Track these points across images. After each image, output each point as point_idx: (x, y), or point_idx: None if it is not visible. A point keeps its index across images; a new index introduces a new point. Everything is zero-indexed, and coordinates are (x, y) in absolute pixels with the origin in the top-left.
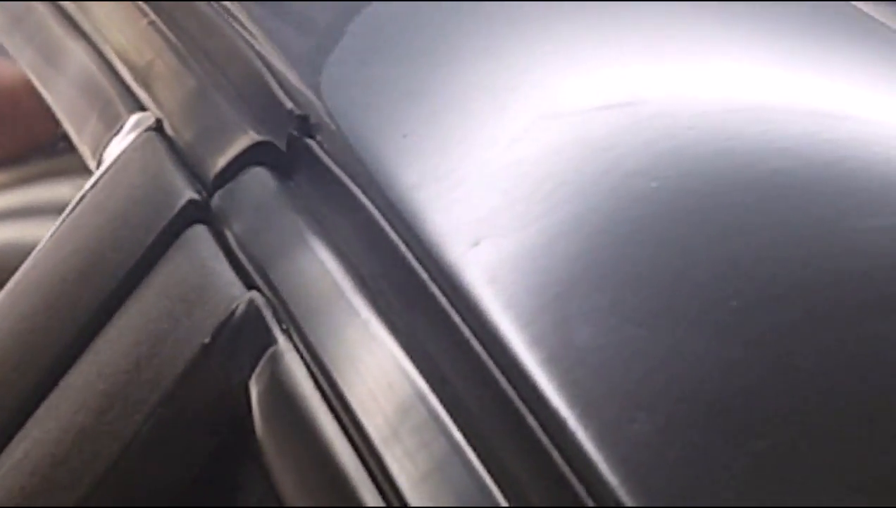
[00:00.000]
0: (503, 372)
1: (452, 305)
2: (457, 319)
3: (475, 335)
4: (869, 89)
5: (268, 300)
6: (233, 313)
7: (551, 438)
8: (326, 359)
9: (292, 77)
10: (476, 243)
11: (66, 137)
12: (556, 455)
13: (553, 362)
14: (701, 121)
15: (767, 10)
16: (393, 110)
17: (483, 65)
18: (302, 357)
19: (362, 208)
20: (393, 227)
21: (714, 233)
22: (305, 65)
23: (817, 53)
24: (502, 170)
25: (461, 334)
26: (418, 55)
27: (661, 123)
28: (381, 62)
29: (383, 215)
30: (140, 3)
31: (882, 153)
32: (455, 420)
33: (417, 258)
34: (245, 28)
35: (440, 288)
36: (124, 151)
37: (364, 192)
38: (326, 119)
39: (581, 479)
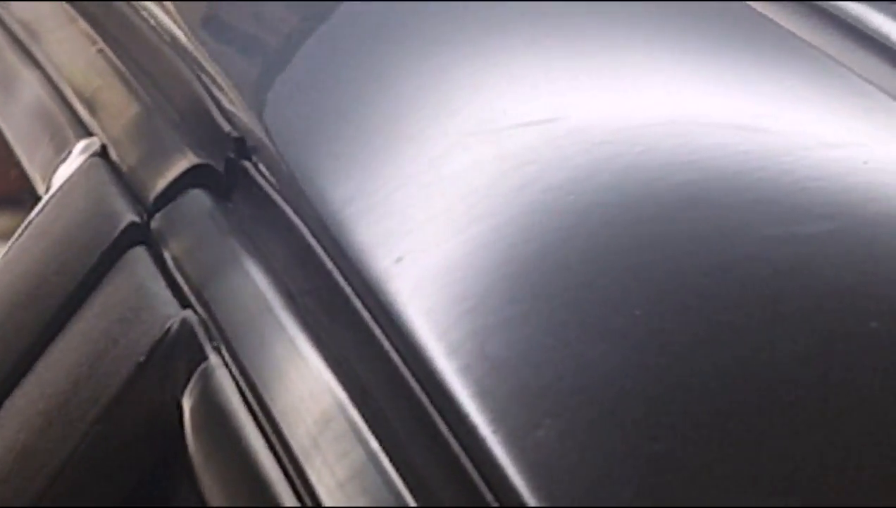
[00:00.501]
0: (419, 382)
1: (374, 319)
2: (378, 332)
3: (395, 347)
4: (777, 98)
5: (201, 319)
6: (167, 331)
7: (462, 444)
8: (254, 374)
9: (233, 100)
10: (399, 259)
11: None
12: (465, 461)
13: (466, 371)
14: (617, 136)
15: (683, 23)
16: (327, 131)
17: (414, 85)
18: (231, 373)
19: (293, 227)
20: (321, 245)
21: (623, 244)
22: (247, 88)
23: (731, 63)
24: (426, 187)
25: (381, 346)
26: (353, 77)
27: (579, 138)
28: (319, 84)
29: (313, 233)
30: (90, 31)
31: (789, 163)
32: (373, 430)
33: (343, 275)
34: (189, 53)
35: (363, 303)
36: (70, 177)
37: (296, 211)
38: (264, 140)
39: (488, 483)
